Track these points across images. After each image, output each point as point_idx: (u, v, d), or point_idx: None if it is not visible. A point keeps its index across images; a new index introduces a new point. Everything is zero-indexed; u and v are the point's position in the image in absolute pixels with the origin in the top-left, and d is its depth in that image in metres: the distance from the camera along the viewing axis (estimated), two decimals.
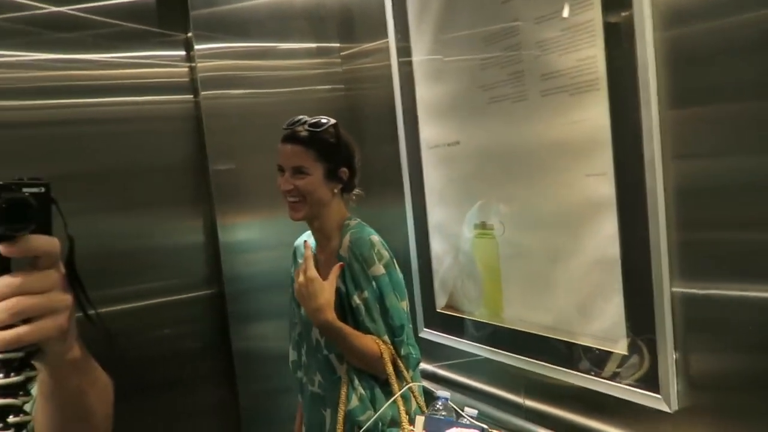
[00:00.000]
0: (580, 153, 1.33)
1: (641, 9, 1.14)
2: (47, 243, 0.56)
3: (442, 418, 1.32)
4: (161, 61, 2.01)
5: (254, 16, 2.12)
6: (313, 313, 1.43)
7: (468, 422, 1.33)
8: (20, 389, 0.57)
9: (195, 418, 2.07)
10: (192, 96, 2.05)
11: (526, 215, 1.50)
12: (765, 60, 1.01)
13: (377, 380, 1.50)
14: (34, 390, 0.66)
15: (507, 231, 1.57)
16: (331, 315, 1.43)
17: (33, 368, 0.58)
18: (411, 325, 1.52)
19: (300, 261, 1.53)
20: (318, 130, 1.48)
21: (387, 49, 1.94)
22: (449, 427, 1.29)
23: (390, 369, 1.44)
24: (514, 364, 1.60)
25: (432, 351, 1.92)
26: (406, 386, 1.47)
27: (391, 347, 1.47)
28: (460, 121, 1.68)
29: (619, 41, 1.21)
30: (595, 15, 1.24)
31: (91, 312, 0.67)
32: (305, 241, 1.59)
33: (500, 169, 1.56)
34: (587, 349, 1.39)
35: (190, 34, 2.01)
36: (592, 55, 1.26)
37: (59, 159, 1.84)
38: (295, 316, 1.65)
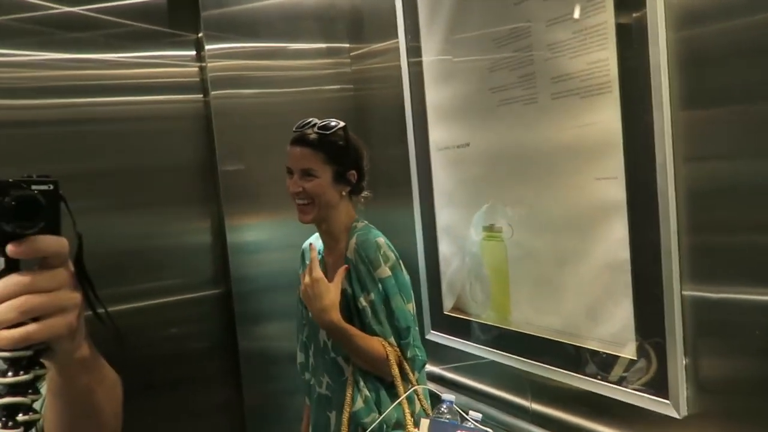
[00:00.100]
0: (590, 156, 1.32)
1: (654, 11, 1.13)
2: (56, 243, 0.56)
3: (447, 421, 1.32)
4: (172, 61, 2.02)
5: (264, 16, 2.12)
6: (319, 314, 1.44)
7: (472, 426, 1.32)
8: (29, 387, 0.57)
9: (201, 417, 2.07)
10: (202, 96, 2.06)
11: (536, 218, 1.49)
12: None
13: (383, 382, 1.50)
14: (44, 388, 0.66)
15: (516, 234, 1.56)
16: (336, 316, 1.43)
17: (42, 366, 0.58)
18: (417, 327, 1.52)
19: (308, 263, 1.53)
20: (327, 132, 1.49)
21: (397, 50, 1.94)
22: (454, 431, 1.29)
23: (395, 371, 1.44)
24: (521, 367, 1.59)
25: (439, 353, 1.91)
26: (412, 389, 1.46)
27: (397, 349, 1.47)
28: (470, 122, 1.67)
29: (631, 43, 1.20)
30: (607, 17, 1.23)
31: (100, 310, 0.67)
32: (311, 244, 1.59)
33: (510, 172, 1.55)
34: (595, 353, 1.38)
35: (200, 35, 2.02)
36: (604, 57, 1.25)
37: (69, 158, 1.85)
38: (302, 317, 1.65)
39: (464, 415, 1.34)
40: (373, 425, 1.44)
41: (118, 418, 0.73)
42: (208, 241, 2.09)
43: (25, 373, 0.57)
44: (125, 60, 1.92)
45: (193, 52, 2.05)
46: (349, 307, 1.50)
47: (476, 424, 1.33)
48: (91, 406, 0.67)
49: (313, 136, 1.49)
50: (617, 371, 1.33)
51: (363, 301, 1.47)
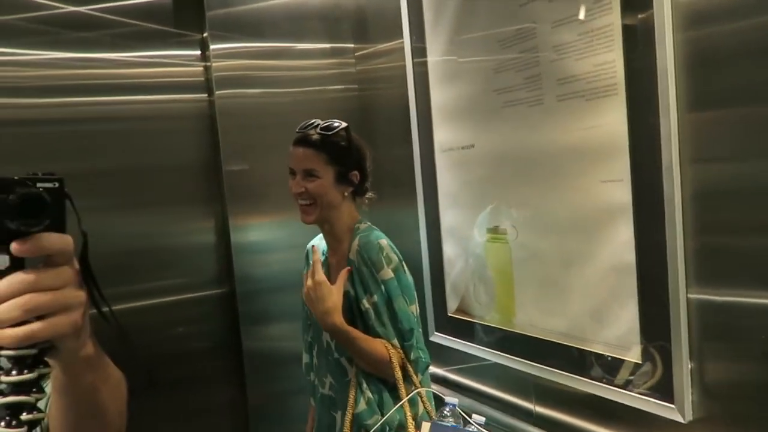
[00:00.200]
0: (596, 158, 1.31)
1: (662, 13, 1.13)
2: (61, 241, 0.56)
3: (449, 425, 1.31)
4: (176, 60, 2.02)
5: (269, 16, 2.12)
6: (321, 317, 1.43)
7: (475, 429, 1.31)
8: (33, 386, 0.57)
9: (204, 416, 2.07)
10: (206, 95, 2.06)
11: (540, 220, 1.48)
12: None
13: (386, 384, 1.49)
14: (48, 387, 0.66)
15: (520, 235, 1.55)
16: (338, 319, 1.43)
17: (46, 365, 0.58)
18: (420, 329, 1.52)
19: (311, 264, 1.53)
20: (329, 133, 1.49)
21: (402, 50, 1.94)
22: None
23: (398, 374, 1.43)
24: (525, 369, 1.58)
25: (442, 355, 1.91)
26: (414, 391, 1.46)
27: (401, 351, 1.47)
28: (475, 124, 1.67)
29: (638, 45, 1.20)
30: (614, 19, 1.23)
31: (105, 309, 0.67)
32: (313, 246, 1.59)
33: (515, 174, 1.55)
34: (600, 356, 1.37)
35: (205, 34, 2.02)
36: (611, 59, 1.24)
37: (74, 156, 1.85)
38: (307, 318, 1.65)
39: (467, 418, 1.34)
40: (376, 427, 1.43)
41: (122, 416, 0.73)
42: (212, 240, 2.09)
43: (30, 371, 0.56)
44: (130, 59, 1.93)
45: (198, 52, 2.05)
46: (352, 309, 1.50)
47: (479, 427, 1.32)
48: (95, 404, 0.67)
49: (316, 136, 1.49)
50: (622, 375, 1.32)
51: (366, 303, 1.47)
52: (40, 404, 0.58)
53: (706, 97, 1.11)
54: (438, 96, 1.82)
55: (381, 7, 2.09)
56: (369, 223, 1.57)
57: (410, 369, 1.47)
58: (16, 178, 0.54)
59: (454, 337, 1.87)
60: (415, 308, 1.50)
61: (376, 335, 1.46)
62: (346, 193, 1.54)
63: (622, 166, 1.25)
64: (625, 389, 1.32)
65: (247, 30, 2.08)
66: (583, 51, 1.30)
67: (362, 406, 1.46)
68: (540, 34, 1.41)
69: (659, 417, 1.24)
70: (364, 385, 1.48)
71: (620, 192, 1.26)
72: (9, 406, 0.56)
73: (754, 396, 1.10)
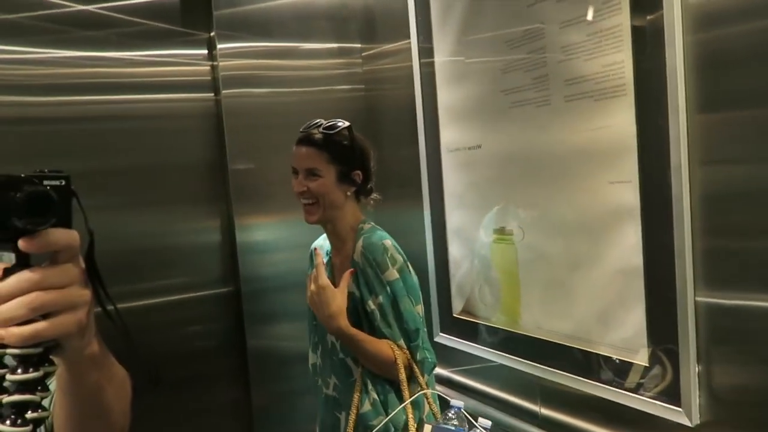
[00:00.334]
0: (604, 159, 1.30)
1: (671, 13, 1.12)
2: (67, 236, 0.56)
3: (452, 428, 1.30)
4: (184, 59, 2.02)
5: (277, 16, 2.12)
6: (326, 321, 1.43)
7: None
8: (38, 385, 0.57)
9: (208, 416, 2.07)
10: (213, 95, 2.06)
11: (547, 221, 1.48)
12: None
13: (392, 385, 1.49)
14: (53, 385, 0.66)
15: (527, 237, 1.55)
16: (343, 322, 1.42)
17: (51, 363, 0.58)
18: (426, 329, 1.51)
19: (315, 265, 1.53)
20: (331, 132, 1.49)
21: (409, 50, 1.94)
22: None
23: (402, 375, 1.43)
24: (530, 371, 1.58)
25: (447, 356, 1.90)
26: (420, 392, 1.45)
27: (407, 352, 1.46)
28: (482, 124, 1.66)
29: (647, 46, 1.19)
30: (623, 19, 1.22)
31: (110, 307, 0.67)
32: (316, 249, 1.58)
33: (521, 175, 1.54)
34: (606, 359, 1.36)
35: (212, 33, 2.03)
36: (619, 60, 1.24)
37: (81, 155, 1.86)
38: (313, 318, 1.64)
39: (473, 421, 1.33)
40: (378, 427, 1.43)
41: (126, 416, 0.72)
42: (217, 239, 2.09)
43: (35, 370, 0.56)
44: (138, 58, 1.93)
45: (205, 51, 2.05)
46: (357, 310, 1.49)
47: (484, 431, 1.31)
48: (100, 403, 0.67)
49: (318, 136, 1.50)
50: (629, 377, 1.31)
51: (371, 304, 1.47)
52: (45, 402, 0.58)
53: (715, 99, 1.11)
54: (445, 96, 1.82)
55: (388, 8, 2.09)
56: (372, 223, 1.56)
57: (416, 370, 1.46)
58: (23, 175, 0.54)
59: (459, 338, 1.86)
60: (420, 308, 1.50)
61: (382, 336, 1.46)
62: (348, 193, 1.53)
63: (630, 168, 1.25)
64: (631, 392, 1.31)
65: (254, 29, 2.08)
66: (592, 51, 1.29)
67: (367, 406, 1.46)
68: (548, 35, 1.40)
69: (666, 420, 1.23)
70: (370, 386, 1.47)
71: (628, 193, 1.26)
72: (14, 405, 0.56)
73: (762, 400, 1.09)
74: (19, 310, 0.53)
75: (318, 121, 1.53)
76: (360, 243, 1.49)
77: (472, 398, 1.82)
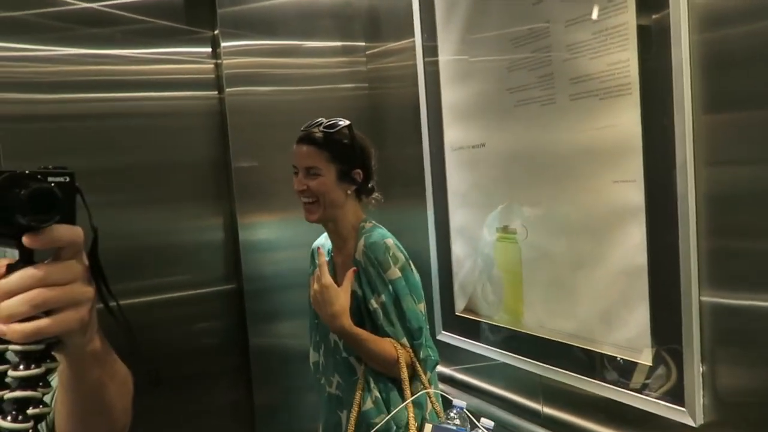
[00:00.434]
0: (608, 158, 1.30)
1: (678, 12, 1.11)
2: (71, 233, 0.56)
3: (454, 428, 1.30)
4: (188, 57, 2.02)
5: (281, 14, 2.12)
6: (329, 320, 1.43)
7: None
8: (40, 381, 0.57)
9: (210, 413, 2.07)
10: (217, 93, 2.06)
11: (551, 220, 1.47)
12: None
13: (395, 383, 1.49)
14: (54, 381, 0.66)
15: (530, 235, 1.54)
16: (347, 321, 1.42)
17: (53, 360, 0.58)
18: (428, 327, 1.51)
19: (317, 264, 1.53)
20: (331, 131, 1.49)
21: (413, 49, 1.93)
22: None
23: (404, 374, 1.43)
24: (533, 370, 1.57)
25: (449, 354, 1.90)
26: (423, 391, 1.45)
27: (410, 350, 1.46)
28: (486, 123, 1.66)
29: (653, 45, 1.18)
30: (629, 18, 1.22)
31: (112, 304, 0.66)
32: (318, 248, 1.58)
33: (525, 173, 1.53)
34: (610, 358, 1.36)
35: (216, 32, 2.03)
36: (625, 59, 1.23)
37: (85, 152, 1.86)
38: (314, 317, 1.64)
39: (475, 421, 1.32)
40: (380, 425, 1.43)
41: (127, 413, 0.72)
42: (220, 237, 2.09)
43: (37, 366, 0.56)
44: (142, 56, 1.93)
45: (209, 49, 2.05)
46: (360, 309, 1.49)
47: (485, 431, 1.31)
48: (102, 400, 0.67)
49: (318, 134, 1.50)
50: (632, 377, 1.31)
51: (374, 303, 1.47)
52: (46, 399, 0.58)
53: (721, 99, 1.10)
54: (449, 95, 1.81)
55: (392, 6, 2.09)
56: (374, 222, 1.56)
57: (419, 368, 1.46)
58: (27, 171, 0.54)
59: (461, 336, 1.86)
60: (423, 306, 1.50)
61: (385, 335, 1.46)
62: (349, 192, 1.53)
63: (635, 167, 1.24)
64: (635, 392, 1.30)
65: (259, 27, 2.08)
66: (597, 50, 1.29)
67: (369, 405, 1.46)
68: (553, 33, 1.40)
69: (669, 420, 1.23)
70: (372, 384, 1.47)
71: (633, 193, 1.25)
72: (16, 401, 0.56)
73: (766, 401, 1.09)
74: (22, 306, 0.53)
75: (319, 120, 1.53)
76: (361, 242, 1.49)
77: (474, 397, 1.81)
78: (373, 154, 1.57)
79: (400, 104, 2.07)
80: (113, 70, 1.89)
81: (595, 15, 1.28)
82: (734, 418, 1.14)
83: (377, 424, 1.44)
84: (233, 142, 2.03)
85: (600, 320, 1.37)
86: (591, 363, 1.40)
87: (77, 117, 1.85)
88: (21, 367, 0.56)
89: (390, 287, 1.46)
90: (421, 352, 1.46)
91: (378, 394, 1.47)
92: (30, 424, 0.56)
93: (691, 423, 1.18)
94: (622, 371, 1.33)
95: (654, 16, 1.18)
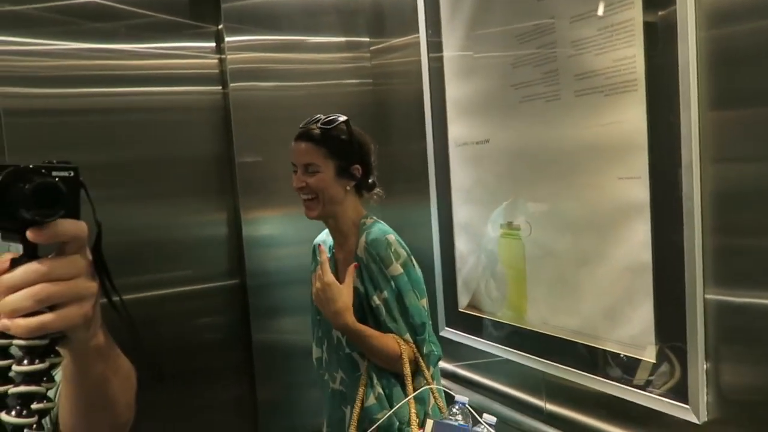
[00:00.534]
0: (613, 155, 1.29)
1: (684, 8, 1.11)
2: (75, 227, 0.55)
3: (455, 424, 1.29)
4: (192, 52, 2.02)
5: (285, 9, 2.11)
6: (332, 317, 1.43)
7: (485, 430, 1.29)
8: (44, 376, 0.57)
9: (213, 409, 2.08)
10: (221, 87, 2.06)
11: (555, 217, 1.47)
12: None
13: (397, 379, 1.49)
14: (58, 376, 0.66)
15: (534, 232, 1.54)
16: (350, 318, 1.42)
17: (57, 355, 0.58)
18: (431, 322, 1.51)
19: (319, 260, 1.52)
20: (328, 127, 1.48)
21: (417, 45, 1.93)
22: None
23: (407, 370, 1.43)
24: (536, 367, 1.57)
25: (452, 350, 1.90)
26: (425, 387, 1.45)
27: (413, 346, 1.46)
28: (491, 119, 1.65)
29: (659, 41, 1.18)
30: (635, 14, 1.21)
31: (116, 299, 0.66)
32: (319, 245, 1.58)
33: (530, 170, 1.53)
34: (613, 355, 1.36)
35: (221, 26, 2.02)
36: (631, 55, 1.22)
37: (88, 147, 1.86)
38: (317, 313, 1.64)
39: (477, 417, 1.32)
40: (382, 420, 1.43)
41: (131, 408, 0.72)
42: (224, 232, 2.09)
43: (41, 361, 0.56)
44: (146, 51, 1.93)
45: (213, 44, 2.05)
46: (362, 305, 1.49)
47: (489, 428, 1.30)
48: (105, 395, 0.67)
49: (316, 131, 1.49)
50: (636, 374, 1.31)
51: (376, 300, 1.46)
52: (50, 393, 0.58)
53: (728, 96, 1.09)
54: (453, 91, 1.81)
55: (397, 1, 2.08)
56: (375, 218, 1.55)
57: (422, 363, 1.46)
58: (31, 166, 0.54)
59: (464, 332, 1.86)
60: (425, 302, 1.49)
61: (388, 331, 1.46)
62: (348, 188, 1.52)
63: (640, 164, 1.23)
64: (638, 388, 1.30)
65: (263, 22, 2.08)
66: (603, 46, 1.28)
67: (372, 400, 1.46)
68: (558, 29, 1.39)
69: (673, 417, 1.23)
70: (375, 380, 1.47)
71: (638, 189, 1.25)
72: (20, 395, 0.56)
73: None
74: (26, 301, 0.53)
75: (317, 116, 1.52)
76: (363, 238, 1.49)
77: (477, 393, 1.81)
78: (372, 149, 1.56)
79: (405, 100, 2.07)
80: (117, 65, 1.89)
81: (600, 11, 1.28)
82: (738, 415, 1.14)
83: (379, 420, 1.44)
84: (237, 137, 2.03)
85: (604, 317, 1.37)
86: (594, 360, 1.40)
87: (81, 111, 1.85)
88: (25, 362, 0.56)
89: (392, 283, 1.45)
90: (425, 348, 1.46)
91: (381, 390, 1.47)
92: (34, 419, 0.56)
93: (695, 420, 1.18)
94: (626, 368, 1.33)
95: (660, 13, 1.17)
